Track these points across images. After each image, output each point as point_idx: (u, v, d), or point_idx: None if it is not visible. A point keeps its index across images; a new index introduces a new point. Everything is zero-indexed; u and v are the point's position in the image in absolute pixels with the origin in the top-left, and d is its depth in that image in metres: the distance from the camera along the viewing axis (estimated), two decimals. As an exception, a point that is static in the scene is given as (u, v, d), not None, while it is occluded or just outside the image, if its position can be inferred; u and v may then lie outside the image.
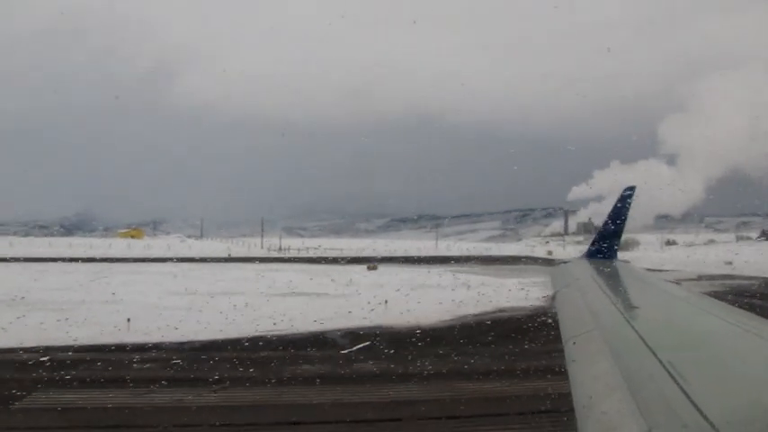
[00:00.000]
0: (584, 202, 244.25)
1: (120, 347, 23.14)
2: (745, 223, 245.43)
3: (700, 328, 4.36)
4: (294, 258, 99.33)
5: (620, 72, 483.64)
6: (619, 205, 9.88)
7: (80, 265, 67.83)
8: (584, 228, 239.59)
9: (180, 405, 15.67)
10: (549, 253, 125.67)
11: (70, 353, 22.10)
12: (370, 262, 79.31)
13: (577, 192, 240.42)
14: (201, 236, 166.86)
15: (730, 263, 79.13)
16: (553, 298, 6.85)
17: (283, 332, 26.80)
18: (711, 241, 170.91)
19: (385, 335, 26.25)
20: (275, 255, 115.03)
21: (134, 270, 62.10)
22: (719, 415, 2.22)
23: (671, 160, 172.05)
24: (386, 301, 34.48)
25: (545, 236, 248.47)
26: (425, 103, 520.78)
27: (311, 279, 54.23)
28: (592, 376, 3.16)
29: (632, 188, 10.10)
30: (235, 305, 33.43)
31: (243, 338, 25.21)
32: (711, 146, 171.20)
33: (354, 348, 23.28)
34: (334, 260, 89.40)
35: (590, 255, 10.20)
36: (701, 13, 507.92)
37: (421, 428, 14.28)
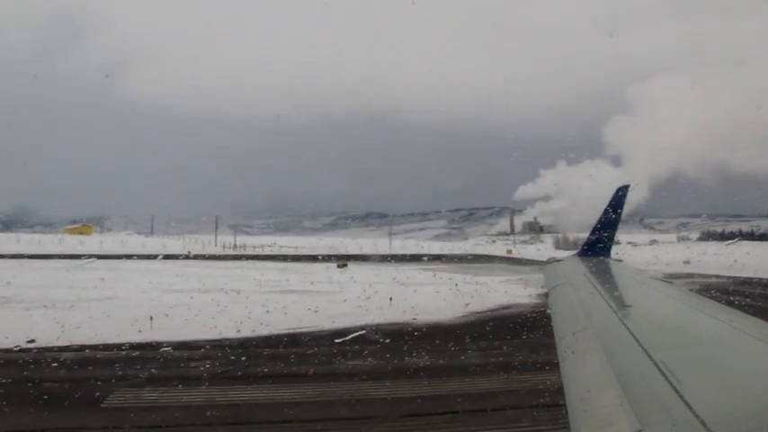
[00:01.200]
0: (531, 202, 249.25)
1: (153, 345, 22.94)
2: (684, 224, 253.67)
3: (691, 327, 4.45)
4: (256, 256, 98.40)
5: (568, 74, 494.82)
6: (612, 204, 10.03)
7: (49, 262, 65.86)
8: (530, 227, 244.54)
9: (269, 401, 15.83)
10: (509, 252, 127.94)
11: (114, 351, 21.91)
12: (336, 260, 79.46)
13: (524, 191, 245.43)
14: (152, 233, 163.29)
15: (688, 262, 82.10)
16: (546, 295, 7.05)
17: (311, 329, 26.98)
18: (654, 242, 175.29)
19: (412, 330, 26.72)
20: (234, 253, 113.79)
21: (110, 267, 60.65)
22: (710, 412, 2.27)
23: (616, 161, 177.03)
24: (390, 299, 34.89)
25: (491, 235, 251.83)
26: (374, 102, 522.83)
27: (291, 277, 54.23)
28: (584, 374, 3.24)
29: (626, 187, 10.24)
30: (242, 302, 33.35)
31: (280, 335, 25.46)
32: (653, 147, 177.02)
33: (398, 342, 23.67)
34: (297, 258, 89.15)
35: (583, 253, 10.43)
36: (649, 18, 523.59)
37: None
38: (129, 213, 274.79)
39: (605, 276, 7.99)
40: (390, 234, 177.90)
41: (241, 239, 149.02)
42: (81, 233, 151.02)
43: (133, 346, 22.66)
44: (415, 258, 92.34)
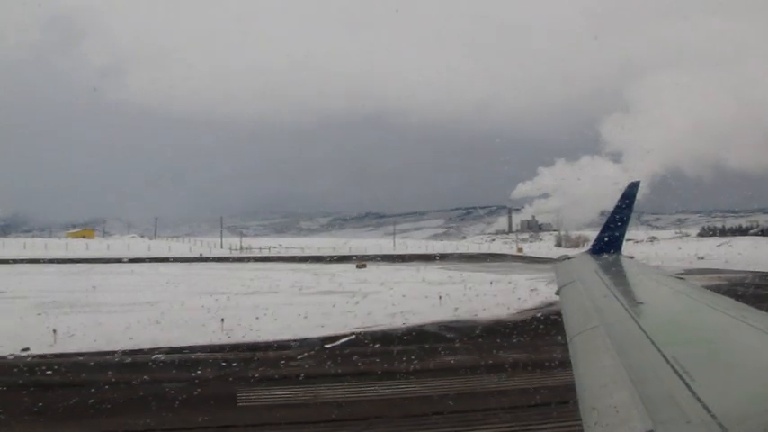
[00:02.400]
0: (529, 201, 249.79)
1: (239, 347, 23.23)
2: (681, 220, 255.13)
3: (704, 324, 4.42)
4: (269, 258, 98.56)
5: (564, 73, 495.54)
6: (622, 201, 9.96)
7: (72, 267, 65.96)
8: (528, 226, 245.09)
9: (382, 396, 16.18)
10: (520, 250, 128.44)
11: (208, 352, 22.23)
12: (354, 260, 79.83)
13: (521, 190, 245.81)
14: (155, 235, 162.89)
15: (702, 257, 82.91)
16: (557, 293, 6.98)
17: (382, 327, 27.36)
18: (653, 238, 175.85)
19: (480, 327, 27.21)
20: (243, 254, 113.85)
21: (133, 271, 60.80)
22: (724, 410, 2.25)
23: (613, 159, 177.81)
24: (440, 297, 35.28)
25: (489, 234, 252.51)
26: (370, 102, 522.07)
27: (319, 278, 54.54)
28: (597, 371, 3.22)
29: (636, 183, 10.21)
30: (295, 304, 33.64)
31: (358, 332, 25.84)
32: (651, 145, 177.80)
33: (481, 340, 24.13)
34: (309, 259, 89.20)
35: (594, 250, 10.35)
36: (646, 16, 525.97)
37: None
38: (123, 216, 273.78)
39: (617, 273, 8.04)
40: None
41: (245, 241, 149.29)
42: (84, 237, 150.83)
43: (218, 348, 22.95)
44: (428, 258, 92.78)
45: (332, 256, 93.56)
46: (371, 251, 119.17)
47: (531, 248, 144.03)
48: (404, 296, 37.41)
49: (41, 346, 22.62)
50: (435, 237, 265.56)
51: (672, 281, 7.16)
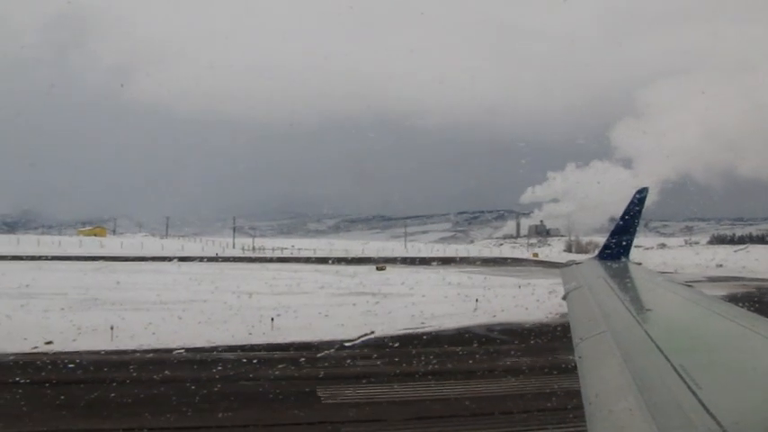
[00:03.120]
0: (537, 205, 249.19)
1: (294, 345, 23.46)
2: (689, 228, 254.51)
3: (711, 331, 4.41)
4: (286, 259, 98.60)
5: (574, 78, 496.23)
6: (631, 207, 9.85)
7: (94, 264, 66.25)
8: (537, 230, 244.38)
9: (460, 395, 16.44)
10: (535, 255, 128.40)
11: (272, 351, 22.48)
12: (368, 262, 79.97)
13: (529, 195, 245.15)
14: (167, 235, 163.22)
15: (721, 265, 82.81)
16: (564, 298, 6.96)
17: (432, 329, 27.68)
18: (663, 245, 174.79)
19: (527, 330, 27.44)
20: (258, 255, 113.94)
21: (158, 269, 61.25)
22: (731, 419, 2.24)
23: (623, 165, 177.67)
24: (477, 300, 35.48)
25: (497, 238, 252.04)
26: (378, 105, 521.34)
27: (344, 279, 54.80)
28: (602, 377, 3.22)
29: (645, 189, 10.08)
30: (333, 304, 33.89)
31: (410, 333, 26.02)
32: (661, 151, 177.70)
33: (532, 341, 24.36)
34: (327, 261, 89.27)
35: (602, 256, 10.26)
36: (658, 22, 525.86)
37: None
38: (130, 215, 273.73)
39: (624, 279, 7.97)
40: (405, 237, 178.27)
41: (256, 242, 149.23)
42: (96, 235, 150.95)
43: (277, 347, 23.22)
44: (445, 261, 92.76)
45: (347, 258, 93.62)
46: (383, 254, 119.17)
47: (541, 253, 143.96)
48: (437, 299, 37.63)
49: (117, 342, 23.12)
50: (443, 240, 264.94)
51: (679, 288, 7.12)
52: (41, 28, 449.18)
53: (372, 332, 26.49)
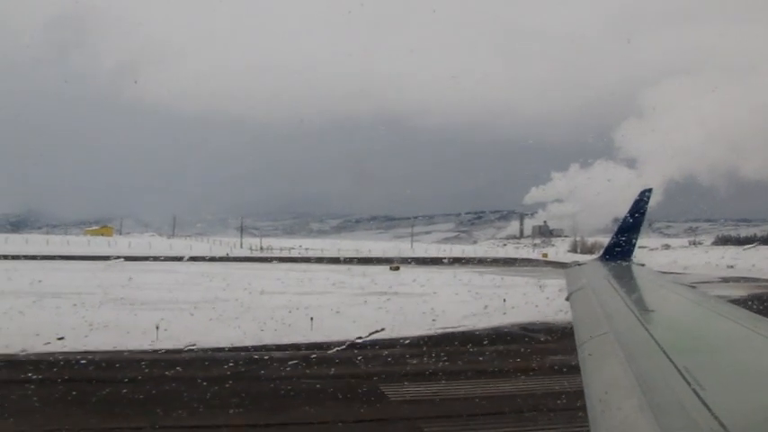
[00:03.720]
0: (540, 206, 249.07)
1: (338, 344, 23.72)
2: (692, 228, 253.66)
3: (715, 332, 4.42)
4: (297, 258, 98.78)
5: (578, 78, 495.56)
6: (635, 208, 9.85)
7: (109, 264, 66.20)
8: (540, 231, 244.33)
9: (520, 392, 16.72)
10: (545, 255, 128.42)
11: (315, 350, 22.87)
12: (379, 262, 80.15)
13: (533, 195, 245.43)
14: (173, 234, 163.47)
15: (732, 266, 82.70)
16: (567, 299, 6.95)
17: (462, 329, 27.98)
18: (667, 246, 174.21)
19: (563, 329, 27.64)
20: (267, 255, 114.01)
21: (175, 269, 61.43)
22: (734, 421, 2.24)
23: (627, 165, 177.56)
24: (504, 300, 35.79)
25: (501, 238, 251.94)
26: (380, 105, 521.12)
27: (361, 280, 54.95)
28: (606, 379, 3.21)
29: (649, 190, 10.13)
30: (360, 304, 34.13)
31: (444, 333, 26.29)
32: (665, 152, 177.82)
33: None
34: (339, 261, 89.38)
35: (605, 257, 10.33)
36: (663, 22, 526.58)
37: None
38: (133, 214, 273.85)
39: (627, 280, 8.02)
40: (412, 237, 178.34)
41: (264, 242, 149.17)
42: (102, 235, 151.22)
43: (325, 345, 23.50)
44: (456, 262, 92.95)
45: (359, 258, 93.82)
46: (390, 254, 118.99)
47: (548, 254, 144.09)
48: (462, 299, 37.91)
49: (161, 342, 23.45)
50: (446, 240, 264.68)
51: (682, 288, 7.18)
52: (43, 28, 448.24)
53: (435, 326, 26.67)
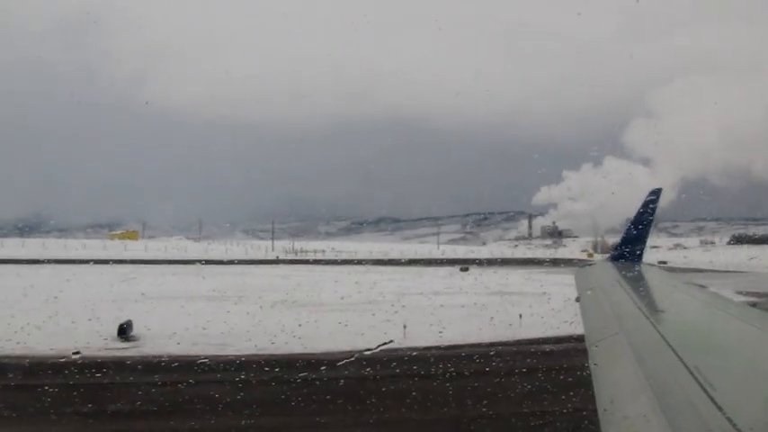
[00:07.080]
0: (549, 206, 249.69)
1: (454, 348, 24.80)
2: (700, 228, 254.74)
3: (726, 332, 4.39)
4: (349, 261, 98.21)
5: (586, 79, 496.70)
6: (645, 207, 9.83)
7: (170, 268, 66.27)
8: (549, 231, 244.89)
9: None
10: (591, 255, 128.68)
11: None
12: (436, 264, 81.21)
13: (541, 196, 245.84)
14: (200, 238, 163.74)
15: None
16: (578, 300, 6.99)
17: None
18: (678, 246, 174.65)
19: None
20: (307, 257, 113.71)
21: (263, 273, 61.98)
22: (746, 422, 2.25)
23: (638, 165, 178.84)
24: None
25: (509, 239, 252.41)
26: (386, 107, 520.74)
27: (442, 280, 56.09)
28: (616, 379, 3.21)
29: (658, 190, 10.10)
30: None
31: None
32: (675, 152, 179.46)
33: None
34: (397, 263, 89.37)
35: (615, 258, 10.32)
36: (672, 22, 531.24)
37: None
38: (141, 218, 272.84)
39: (637, 281, 8.01)
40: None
41: (287, 245, 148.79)
42: (128, 239, 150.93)
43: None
44: (504, 263, 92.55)
45: (410, 260, 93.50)
46: (423, 255, 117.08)
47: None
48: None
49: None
50: (453, 242, 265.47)
51: (692, 289, 7.19)
52: (52, 30, 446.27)
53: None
